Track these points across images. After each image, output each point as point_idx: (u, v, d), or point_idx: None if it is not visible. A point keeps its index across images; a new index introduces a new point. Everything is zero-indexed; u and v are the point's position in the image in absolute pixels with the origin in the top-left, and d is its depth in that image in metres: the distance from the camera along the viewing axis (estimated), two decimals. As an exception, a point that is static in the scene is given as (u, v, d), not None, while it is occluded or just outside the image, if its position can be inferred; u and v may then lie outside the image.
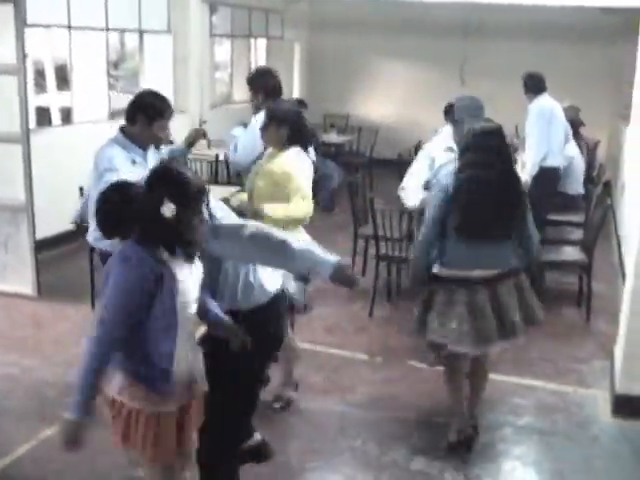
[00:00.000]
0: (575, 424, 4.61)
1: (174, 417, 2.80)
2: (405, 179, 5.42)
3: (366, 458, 4.16)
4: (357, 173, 9.44)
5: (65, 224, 7.48)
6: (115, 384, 2.76)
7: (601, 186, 8.59)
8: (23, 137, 6.15)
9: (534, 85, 7.48)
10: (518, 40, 12.30)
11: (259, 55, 13.26)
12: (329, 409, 4.69)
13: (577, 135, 8.32)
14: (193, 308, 2.84)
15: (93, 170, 4.16)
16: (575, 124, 8.21)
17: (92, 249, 5.25)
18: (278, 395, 4.62)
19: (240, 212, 3.68)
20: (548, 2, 9.83)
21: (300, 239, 4.00)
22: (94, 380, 2.63)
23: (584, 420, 4.66)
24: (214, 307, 3.05)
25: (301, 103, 10.01)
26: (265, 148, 4.50)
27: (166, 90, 9.04)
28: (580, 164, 7.94)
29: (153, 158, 4.22)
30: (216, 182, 8.75)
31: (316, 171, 4.45)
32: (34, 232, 6.36)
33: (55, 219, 7.39)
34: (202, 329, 3.13)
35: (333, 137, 11.87)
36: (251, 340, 3.05)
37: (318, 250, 2.96)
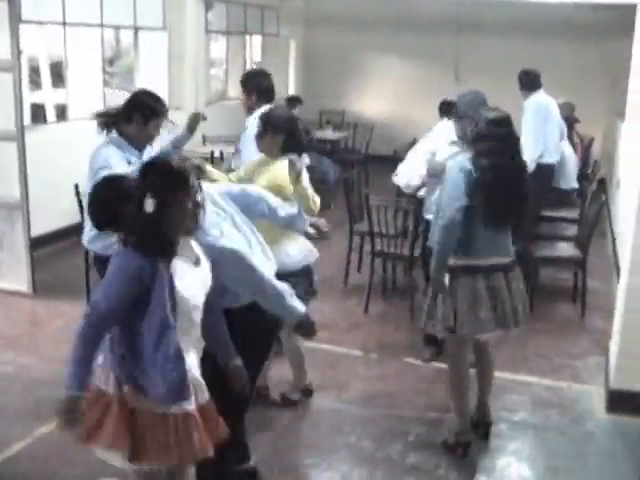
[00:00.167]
0: (570, 420, 4.63)
1: (174, 419, 2.73)
2: (399, 167, 5.31)
3: (361, 454, 4.17)
4: (353, 169, 9.44)
5: (60, 221, 7.50)
6: (112, 383, 2.75)
7: (596, 182, 8.62)
8: (18, 134, 6.14)
9: (529, 82, 7.49)
10: (513, 37, 12.31)
11: (254, 52, 13.25)
12: (324, 405, 4.70)
13: (571, 131, 8.34)
14: (197, 313, 2.79)
15: (88, 170, 4.15)
16: (570, 121, 8.23)
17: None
18: (283, 394, 4.65)
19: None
20: (542, -2, 9.85)
21: (298, 246, 4.04)
22: (88, 360, 2.65)
23: (579, 416, 4.68)
24: (224, 333, 3.05)
25: (296, 100, 10.05)
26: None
27: (161, 87, 9.07)
28: (572, 159, 7.96)
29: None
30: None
31: (311, 174, 4.44)
32: (29, 230, 6.35)
33: (50, 216, 7.40)
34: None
35: (329, 134, 11.87)
36: (245, 337, 3.06)
37: (288, 297, 3.09)
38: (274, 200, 3.61)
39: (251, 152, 4.56)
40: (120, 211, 2.71)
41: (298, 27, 13.90)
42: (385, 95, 13.66)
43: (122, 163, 4.08)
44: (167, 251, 2.67)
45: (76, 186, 5.98)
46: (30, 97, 8.98)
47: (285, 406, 4.60)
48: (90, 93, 8.83)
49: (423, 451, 4.18)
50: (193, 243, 2.84)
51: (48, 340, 5.53)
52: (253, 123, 4.60)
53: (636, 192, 4.53)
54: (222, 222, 3.11)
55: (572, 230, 7.09)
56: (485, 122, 3.90)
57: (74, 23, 8.24)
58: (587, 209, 6.82)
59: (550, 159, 7.37)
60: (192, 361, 2.80)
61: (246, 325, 3.21)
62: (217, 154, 8.86)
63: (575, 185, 7.94)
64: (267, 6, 12.58)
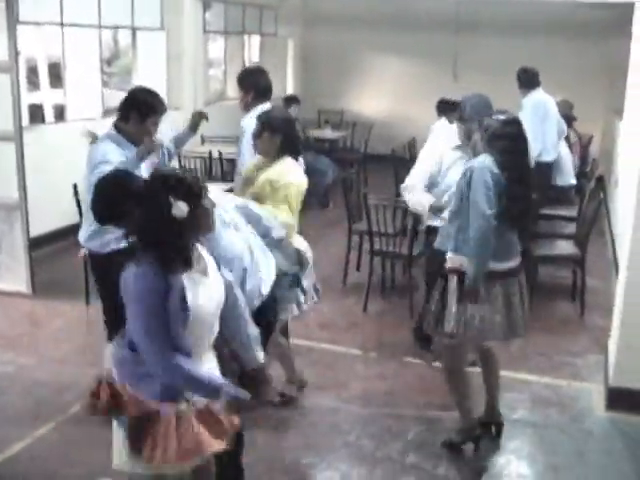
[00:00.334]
0: (569, 418, 4.63)
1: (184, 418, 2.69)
2: (407, 179, 5.19)
3: (360, 453, 4.17)
4: (351, 169, 9.45)
5: (59, 222, 7.50)
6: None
7: (594, 180, 8.63)
8: (16, 135, 6.14)
9: (528, 80, 7.50)
10: (511, 35, 12.31)
11: (253, 52, 13.24)
12: (323, 405, 4.69)
13: (569, 129, 8.35)
14: (212, 325, 2.76)
15: (86, 166, 4.14)
16: (567, 119, 8.24)
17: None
18: (282, 392, 4.66)
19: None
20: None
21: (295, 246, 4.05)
22: (199, 377, 2.64)
23: (578, 414, 4.68)
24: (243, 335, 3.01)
25: (294, 99, 10.04)
26: None
27: (160, 87, 9.03)
28: (568, 155, 7.97)
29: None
30: (210, 179, 8.75)
31: (308, 178, 4.44)
32: (28, 230, 6.35)
33: (49, 217, 7.40)
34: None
35: (327, 133, 11.88)
36: None
37: (255, 342, 3.01)
38: (268, 219, 3.64)
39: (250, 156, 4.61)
40: (125, 208, 2.69)
41: (296, 27, 13.90)
42: (383, 94, 13.66)
43: (120, 159, 4.08)
44: (189, 262, 2.63)
45: (75, 186, 5.98)
46: (28, 98, 8.96)
47: (284, 404, 4.60)
48: (88, 94, 8.83)
49: (422, 450, 4.19)
50: (203, 252, 2.79)
51: (48, 340, 5.54)
52: (249, 122, 4.60)
53: (634, 190, 4.54)
54: (223, 227, 3.13)
55: (571, 228, 7.09)
56: (499, 122, 3.91)
57: (72, 24, 8.24)
58: (585, 207, 6.83)
59: (548, 157, 7.39)
60: (206, 365, 2.77)
61: None
62: (215, 154, 8.86)
63: (572, 181, 7.95)
64: (265, 6, 12.58)
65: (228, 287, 2.92)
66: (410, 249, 6.04)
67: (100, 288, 4.39)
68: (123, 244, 4.02)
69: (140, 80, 9.35)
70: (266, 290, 3.67)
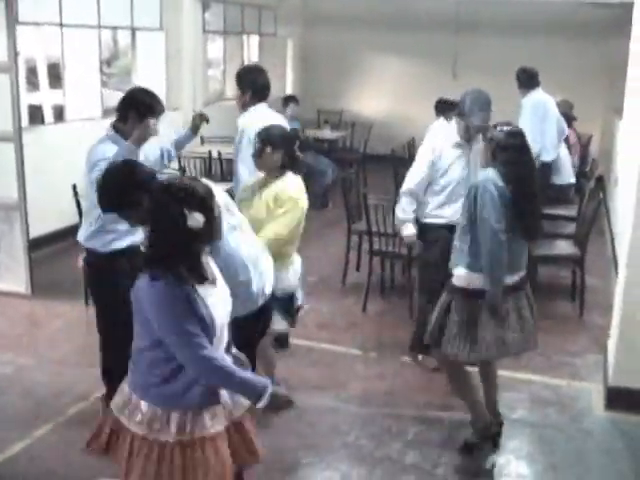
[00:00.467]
0: (568, 417, 4.63)
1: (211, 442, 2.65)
2: (406, 180, 5.18)
3: (360, 453, 4.17)
4: (351, 169, 9.45)
5: (58, 222, 7.50)
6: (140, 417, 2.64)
7: (594, 180, 8.63)
8: (15, 135, 6.14)
9: (527, 80, 7.51)
10: (510, 35, 12.31)
11: (252, 52, 13.24)
12: (323, 405, 4.69)
13: (569, 129, 8.35)
14: (224, 334, 2.72)
15: (85, 165, 4.13)
16: (567, 118, 8.25)
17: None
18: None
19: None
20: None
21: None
22: (235, 373, 2.57)
23: (577, 413, 4.68)
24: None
25: (292, 98, 10.05)
26: None
27: (159, 87, 9.06)
28: (566, 154, 7.97)
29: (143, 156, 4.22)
30: (209, 179, 8.75)
31: (308, 178, 4.44)
32: (27, 231, 6.35)
33: (48, 217, 7.40)
34: None
35: (327, 133, 11.87)
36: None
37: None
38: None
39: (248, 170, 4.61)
40: (133, 198, 2.68)
41: (296, 27, 13.89)
42: (383, 94, 13.66)
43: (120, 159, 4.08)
44: (203, 273, 2.56)
45: (74, 187, 5.98)
46: (27, 98, 8.97)
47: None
48: (88, 94, 8.83)
49: (422, 450, 4.19)
50: (210, 261, 2.74)
51: (47, 341, 5.54)
52: (245, 121, 4.59)
53: (634, 188, 4.54)
54: (229, 232, 3.15)
55: (570, 228, 7.09)
56: (503, 134, 3.91)
57: (71, 24, 8.24)
58: (585, 206, 6.83)
59: (547, 157, 7.39)
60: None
61: (239, 332, 3.18)
62: (215, 154, 8.87)
63: (571, 180, 7.94)
64: (264, 6, 12.58)
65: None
66: (409, 249, 6.03)
67: (96, 292, 4.35)
68: (125, 243, 4.07)
69: (139, 80, 9.36)
70: (269, 290, 3.70)
